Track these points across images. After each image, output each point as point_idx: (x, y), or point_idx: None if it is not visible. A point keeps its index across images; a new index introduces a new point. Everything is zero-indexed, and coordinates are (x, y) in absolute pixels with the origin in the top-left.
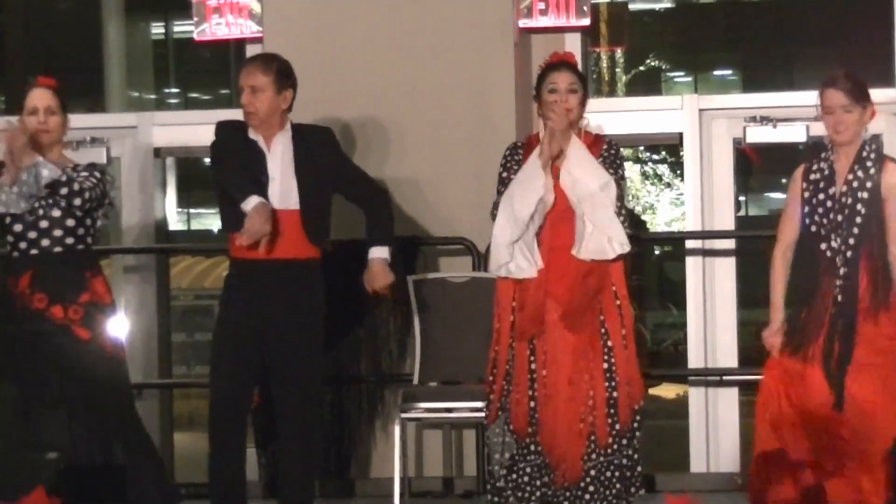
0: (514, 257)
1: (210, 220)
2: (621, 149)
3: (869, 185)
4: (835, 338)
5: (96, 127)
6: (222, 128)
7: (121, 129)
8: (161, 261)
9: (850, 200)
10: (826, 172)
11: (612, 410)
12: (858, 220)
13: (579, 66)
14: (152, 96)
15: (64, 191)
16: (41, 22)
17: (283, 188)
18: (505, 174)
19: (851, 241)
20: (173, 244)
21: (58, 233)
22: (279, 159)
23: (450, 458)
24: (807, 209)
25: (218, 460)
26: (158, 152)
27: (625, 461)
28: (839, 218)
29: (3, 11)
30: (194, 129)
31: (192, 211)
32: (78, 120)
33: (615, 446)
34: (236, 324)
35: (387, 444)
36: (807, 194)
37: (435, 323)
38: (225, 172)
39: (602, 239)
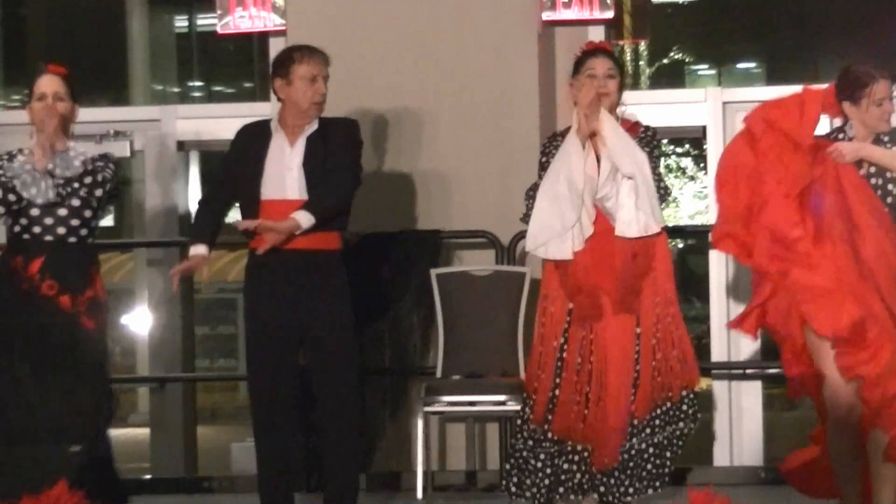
0: (564, 238)
1: (233, 214)
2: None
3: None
4: None
5: (120, 120)
6: (239, 137)
7: (144, 122)
8: (185, 254)
9: (880, 181)
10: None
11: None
12: (889, 199)
13: None
14: (176, 89)
15: (88, 180)
16: (64, 15)
17: (300, 177)
18: (545, 159)
19: None
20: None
21: (75, 222)
22: (298, 149)
23: (473, 451)
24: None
25: (266, 456)
26: (182, 145)
27: (651, 449)
28: None
29: (26, 4)
30: (218, 122)
31: None
32: (102, 113)
33: (643, 431)
34: (265, 318)
35: (410, 438)
36: None
37: (458, 316)
38: (197, 212)
39: (638, 215)
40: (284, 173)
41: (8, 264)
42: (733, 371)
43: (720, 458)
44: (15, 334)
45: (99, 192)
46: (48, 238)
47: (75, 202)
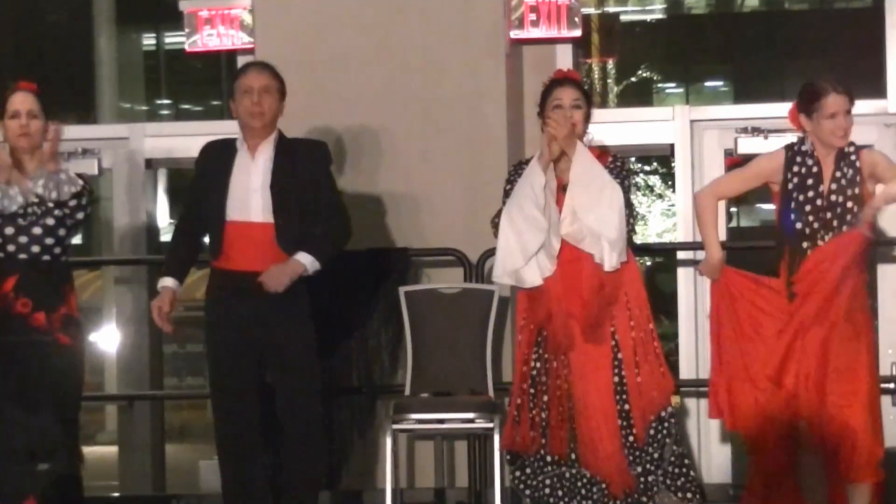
0: (529, 265)
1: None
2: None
3: (858, 179)
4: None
5: (88, 138)
6: (202, 155)
7: (112, 141)
8: (152, 272)
9: (840, 198)
10: (815, 170)
11: (624, 423)
12: (848, 217)
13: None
14: (144, 107)
15: (73, 203)
16: (32, 33)
17: (264, 200)
18: (509, 187)
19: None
20: (164, 256)
21: (49, 241)
22: (261, 170)
23: (441, 469)
24: (793, 205)
25: (230, 479)
26: (150, 163)
27: (659, 471)
28: (828, 215)
29: None
30: (186, 141)
31: None
32: (69, 131)
33: (639, 457)
34: (225, 340)
35: (378, 456)
36: (790, 186)
37: (426, 334)
38: (171, 243)
39: (601, 247)
40: (249, 195)
41: None
42: (701, 389)
43: None
44: None
45: (80, 216)
46: (22, 256)
47: (49, 221)
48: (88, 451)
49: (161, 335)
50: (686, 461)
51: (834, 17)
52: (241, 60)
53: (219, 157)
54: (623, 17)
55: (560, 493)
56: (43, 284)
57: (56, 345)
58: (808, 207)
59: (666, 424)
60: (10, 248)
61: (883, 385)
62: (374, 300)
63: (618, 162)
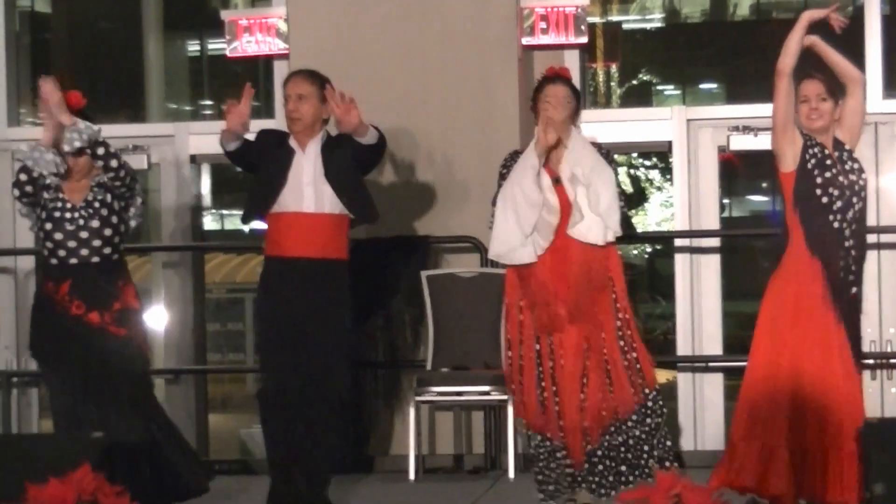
0: (524, 242)
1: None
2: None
3: (858, 163)
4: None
5: (138, 136)
6: (262, 135)
7: (160, 138)
8: (197, 258)
9: (854, 177)
10: (826, 152)
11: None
12: (863, 194)
13: (576, 80)
14: (188, 107)
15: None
16: (87, 40)
17: (316, 192)
18: (504, 171)
19: (858, 215)
20: (208, 242)
21: (96, 243)
22: (312, 165)
23: (460, 437)
24: (819, 181)
25: (275, 450)
26: (194, 158)
27: (630, 441)
28: (847, 193)
29: (51, 30)
30: None
31: (224, 212)
32: (121, 129)
33: (612, 429)
34: (278, 321)
35: (402, 425)
36: (809, 166)
37: (446, 314)
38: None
39: (598, 223)
40: (302, 189)
41: (41, 290)
42: (696, 364)
43: (685, 443)
44: (57, 355)
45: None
46: (73, 261)
47: (94, 223)
48: None
49: (204, 315)
50: (647, 444)
51: (819, 26)
52: (278, 65)
53: (275, 148)
54: (625, 26)
55: (553, 465)
56: (95, 285)
57: (108, 334)
58: (833, 184)
59: (650, 402)
60: (61, 253)
61: (882, 360)
62: (399, 283)
63: (603, 150)
